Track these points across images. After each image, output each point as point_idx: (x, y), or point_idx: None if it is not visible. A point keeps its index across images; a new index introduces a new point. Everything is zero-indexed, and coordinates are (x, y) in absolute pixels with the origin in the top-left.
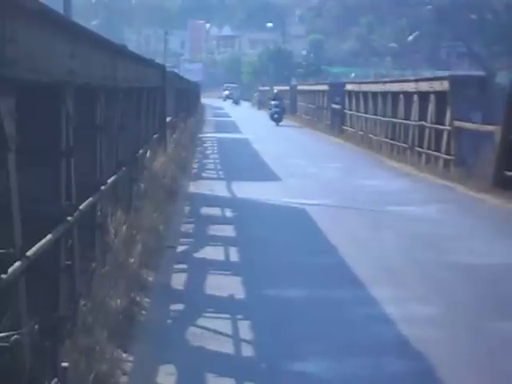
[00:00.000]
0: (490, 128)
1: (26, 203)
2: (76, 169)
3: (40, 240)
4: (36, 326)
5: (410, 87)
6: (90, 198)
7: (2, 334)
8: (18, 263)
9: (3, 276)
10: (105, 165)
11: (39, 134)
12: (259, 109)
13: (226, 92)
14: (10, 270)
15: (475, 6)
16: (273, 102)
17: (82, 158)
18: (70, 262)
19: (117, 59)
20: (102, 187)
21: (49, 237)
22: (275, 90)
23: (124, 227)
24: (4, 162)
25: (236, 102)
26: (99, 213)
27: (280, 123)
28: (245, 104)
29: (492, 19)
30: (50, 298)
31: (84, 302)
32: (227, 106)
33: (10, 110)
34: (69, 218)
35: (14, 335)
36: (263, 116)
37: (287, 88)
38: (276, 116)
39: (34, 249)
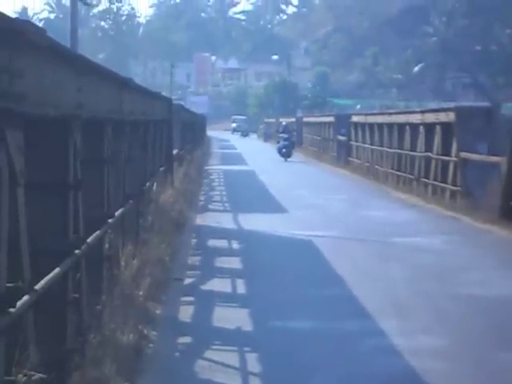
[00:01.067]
0: (496, 159)
1: (34, 236)
2: (83, 202)
3: (48, 273)
4: (44, 359)
5: (415, 118)
6: (98, 231)
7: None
8: (26, 297)
9: (12, 310)
10: (112, 198)
11: (47, 167)
12: (265, 141)
13: (234, 124)
14: (19, 303)
15: (480, 37)
16: (281, 135)
17: (90, 190)
18: (77, 295)
19: (123, 92)
20: (110, 220)
21: (57, 270)
22: (284, 122)
23: (132, 260)
24: (13, 196)
25: (245, 135)
26: (107, 245)
27: (288, 158)
28: (251, 136)
29: (497, 50)
30: (57, 330)
31: (92, 334)
32: (233, 138)
33: (18, 144)
34: (76, 251)
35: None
36: (269, 148)
37: (293, 120)
38: (284, 150)
39: (42, 282)
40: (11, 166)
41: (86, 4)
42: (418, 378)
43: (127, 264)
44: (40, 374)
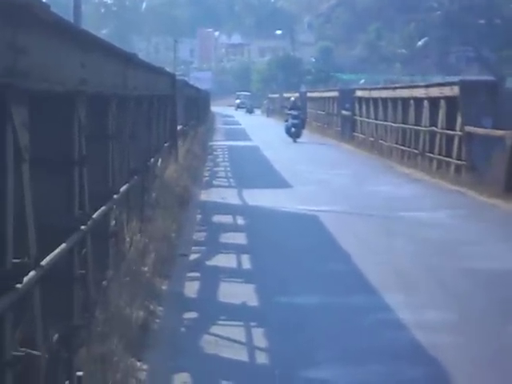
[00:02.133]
0: (500, 133)
1: (40, 213)
2: (89, 178)
3: (54, 249)
4: (51, 335)
5: (420, 93)
6: (103, 207)
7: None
8: (32, 273)
9: (18, 285)
10: (117, 174)
11: (52, 143)
12: (268, 116)
13: (238, 101)
14: (25, 279)
15: (484, 11)
16: (289, 112)
17: (95, 167)
18: (83, 271)
19: (127, 68)
20: (115, 196)
21: (63, 246)
22: (292, 98)
23: (138, 236)
24: (18, 172)
25: (250, 111)
26: (113, 222)
27: (298, 139)
28: (255, 112)
29: (501, 24)
30: (64, 307)
31: (98, 311)
32: (237, 114)
33: (23, 121)
34: (82, 227)
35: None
36: (273, 123)
37: (297, 95)
38: (294, 130)
39: (48, 258)
40: (16, 141)
41: None
42: (425, 351)
43: (133, 240)
44: (46, 349)
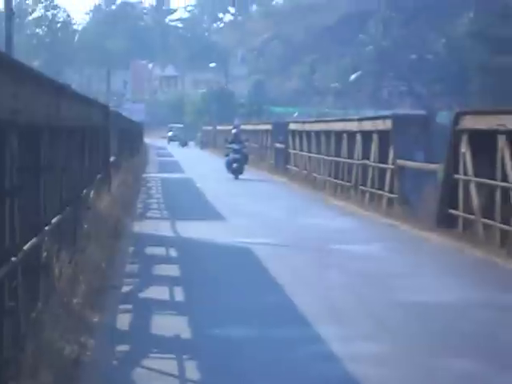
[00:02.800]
0: (432, 166)
1: None
2: (20, 209)
3: None
4: None
5: (353, 126)
6: (34, 239)
7: None
8: None
9: None
10: (49, 205)
11: None
12: (202, 148)
13: (170, 133)
14: None
15: (416, 46)
16: (230, 146)
17: (26, 197)
18: (14, 303)
19: (60, 98)
20: (46, 227)
21: None
22: (234, 130)
23: (68, 268)
24: None
25: (183, 144)
26: (44, 253)
27: (240, 176)
28: (189, 144)
29: (432, 59)
30: None
31: (29, 343)
32: (171, 146)
33: None
34: (13, 259)
35: None
36: (207, 156)
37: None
38: (235, 166)
39: None
40: None
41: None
42: (357, 383)
43: (64, 271)
44: None
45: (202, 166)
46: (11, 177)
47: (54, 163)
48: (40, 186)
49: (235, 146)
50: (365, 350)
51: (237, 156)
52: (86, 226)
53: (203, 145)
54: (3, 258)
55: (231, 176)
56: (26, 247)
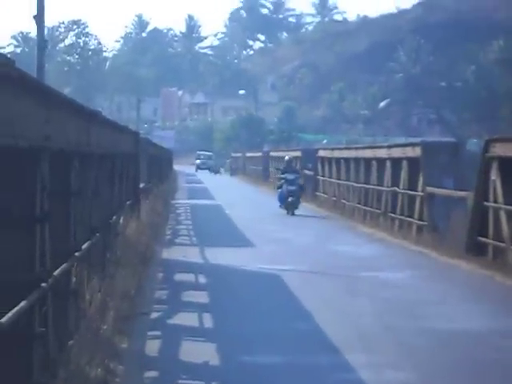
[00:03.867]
0: (461, 194)
1: (0, 269)
2: (50, 235)
3: (14, 306)
4: None
5: (382, 153)
6: (64, 264)
7: None
8: None
9: None
10: (79, 231)
11: (14, 199)
12: (231, 175)
13: (198, 161)
14: None
15: (445, 74)
16: (283, 176)
17: (57, 223)
18: (44, 329)
19: (91, 125)
20: (76, 253)
21: (23, 303)
22: (287, 157)
23: (97, 294)
24: None
25: (215, 171)
26: (74, 279)
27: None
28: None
29: (461, 87)
30: (24, 364)
31: (59, 369)
32: (200, 173)
33: None
34: (43, 285)
35: None
36: (236, 182)
37: (259, 154)
38: (290, 200)
39: (8, 315)
40: None
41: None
42: None
43: (93, 298)
44: None
45: (231, 193)
46: (42, 202)
47: (84, 189)
48: (70, 211)
49: (289, 176)
50: (393, 378)
51: (292, 188)
52: (115, 252)
53: (233, 171)
54: (34, 284)
55: (283, 212)
56: (56, 273)
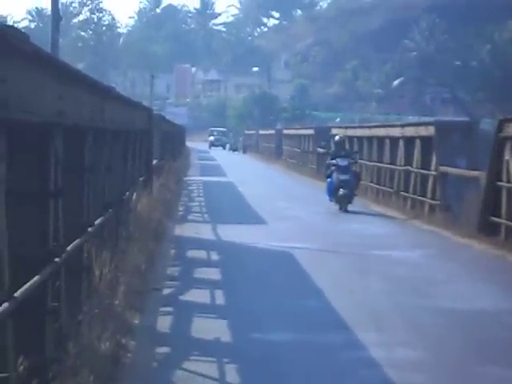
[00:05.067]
0: (474, 173)
1: (14, 244)
2: (64, 210)
3: (27, 281)
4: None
5: (395, 132)
6: (78, 240)
7: None
8: (5, 304)
9: None
10: (92, 206)
11: (27, 174)
12: (244, 152)
13: (212, 138)
14: None
15: (460, 52)
16: (334, 162)
17: (70, 199)
18: (56, 304)
19: (105, 101)
20: (89, 229)
21: (36, 278)
22: (337, 137)
23: (110, 269)
24: None
25: (233, 149)
26: (86, 254)
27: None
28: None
29: (476, 66)
30: (37, 339)
31: (71, 343)
32: (213, 150)
33: (0, 152)
34: (56, 260)
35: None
36: (248, 159)
37: (272, 132)
38: (343, 192)
39: (21, 290)
40: None
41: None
42: None
43: (106, 273)
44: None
45: (244, 170)
46: (56, 178)
47: (97, 165)
48: (84, 187)
49: (341, 162)
50: (404, 357)
51: (344, 177)
52: (127, 228)
53: (245, 148)
54: (47, 259)
55: (335, 208)
56: (69, 248)
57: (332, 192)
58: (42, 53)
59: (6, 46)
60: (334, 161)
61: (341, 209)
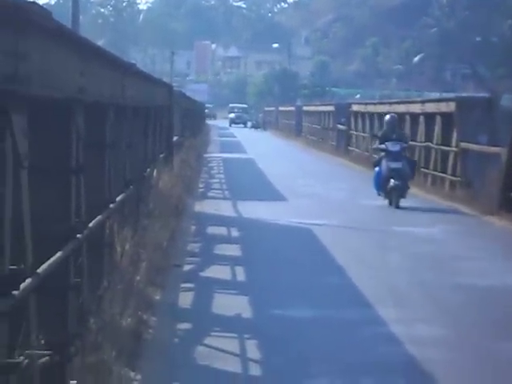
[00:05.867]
0: (495, 150)
1: (37, 220)
2: (85, 186)
3: (50, 257)
4: (45, 343)
5: (416, 108)
6: (99, 216)
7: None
8: (28, 280)
9: (15, 292)
10: (113, 183)
11: (49, 151)
12: (265, 129)
13: (232, 115)
14: (22, 286)
15: (480, 28)
16: (382, 147)
17: (91, 175)
18: (79, 280)
19: (126, 77)
20: (111, 205)
21: (59, 254)
22: (387, 117)
23: (131, 245)
24: (17, 179)
25: (255, 126)
26: (108, 231)
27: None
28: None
29: (497, 42)
30: (59, 315)
31: (93, 319)
32: (234, 126)
33: (22, 128)
34: (78, 236)
35: (25, 352)
36: (269, 136)
37: (292, 109)
38: (394, 184)
39: (44, 266)
40: (15, 149)
41: None
42: (419, 366)
43: (127, 249)
44: (43, 357)
45: (264, 146)
46: (77, 154)
47: (118, 142)
48: (105, 164)
49: (392, 147)
50: (425, 333)
51: (396, 165)
52: (148, 205)
53: (266, 125)
54: (69, 235)
55: (385, 203)
56: (91, 224)
57: (380, 184)
58: (64, 29)
59: (28, 23)
60: (382, 145)
61: (391, 204)
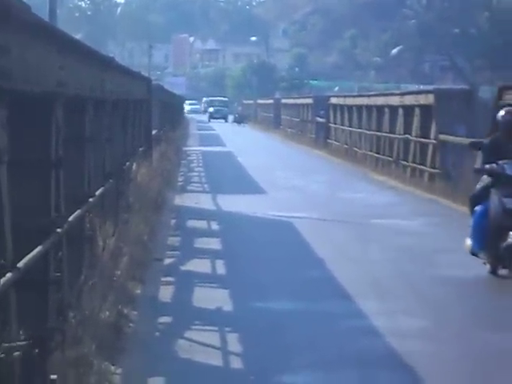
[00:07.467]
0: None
1: (16, 214)
2: (65, 180)
3: (30, 251)
4: (25, 337)
5: (394, 101)
6: (79, 210)
7: None
8: (8, 274)
9: None
10: (93, 177)
11: (28, 145)
12: (244, 123)
13: (211, 109)
14: (2, 281)
15: (459, 20)
16: (487, 168)
17: (71, 169)
18: (59, 274)
19: (105, 71)
20: (90, 199)
21: (38, 248)
22: (502, 113)
23: (111, 240)
24: None
25: (238, 121)
26: (88, 225)
27: None
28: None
29: (475, 34)
30: (39, 309)
31: (73, 313)
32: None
33: (1, 122)
34: (58, 230)
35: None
36: (247, 130)
37: (271, 101)
38: None
39: (24, 260)
40: None
41: None
42: (400, 358)
43: (107, 243)
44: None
45: (242, 139)
46: (57, 148)
47: (97, 135)
48: (84, 158)
49: (509, 170)
50: (406, 325)
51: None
52: (127, 199)
53: (242, 118)
54: (49, 229)
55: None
56: (70, 218)
57: (483, 237)
58: (43, 23)
59: (7, 17)
60: (492, 165)
61: (493, 272)
